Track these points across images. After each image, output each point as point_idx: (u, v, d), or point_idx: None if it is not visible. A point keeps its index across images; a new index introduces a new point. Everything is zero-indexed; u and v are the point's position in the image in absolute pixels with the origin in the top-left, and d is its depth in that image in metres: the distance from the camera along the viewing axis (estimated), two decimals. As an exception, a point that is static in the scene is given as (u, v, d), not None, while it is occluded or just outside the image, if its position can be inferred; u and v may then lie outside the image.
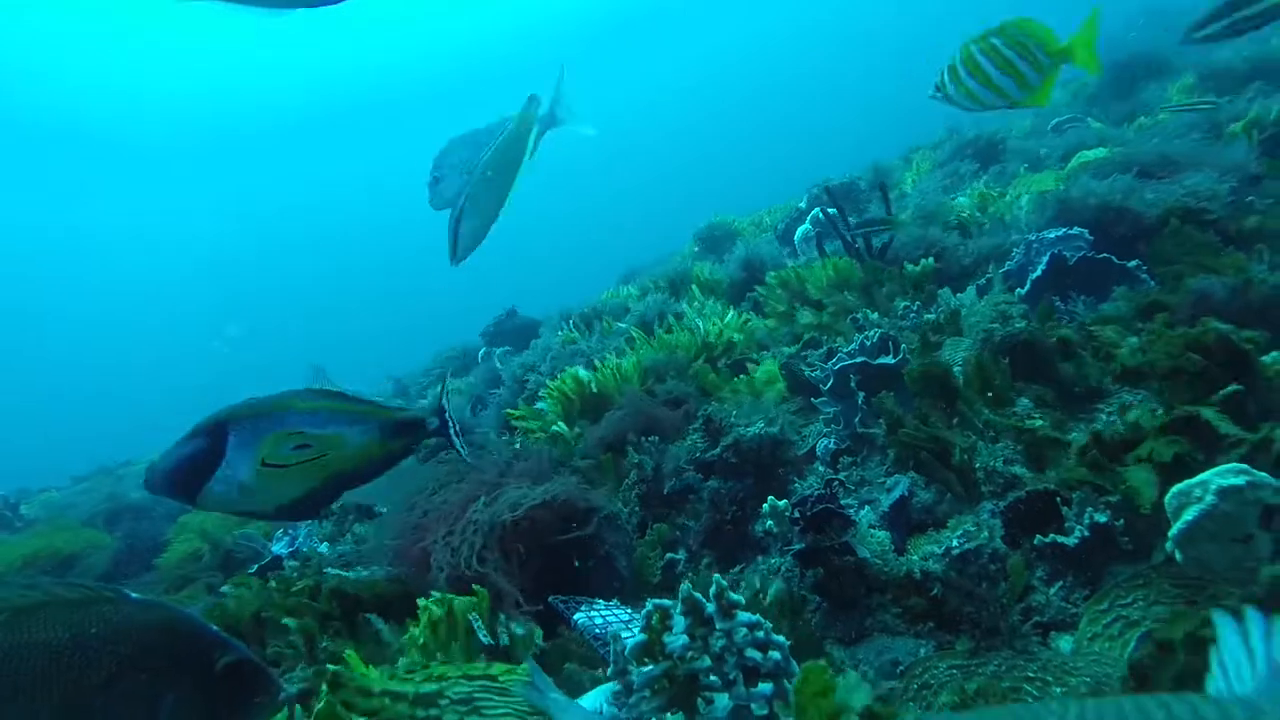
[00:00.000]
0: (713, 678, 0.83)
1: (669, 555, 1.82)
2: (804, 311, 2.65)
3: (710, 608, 0.85)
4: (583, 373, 2.52)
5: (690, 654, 0.83)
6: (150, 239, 42.00)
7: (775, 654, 0.83)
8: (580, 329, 3.76)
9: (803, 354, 2.27)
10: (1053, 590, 1.34)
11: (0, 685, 0.74)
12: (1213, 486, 1.04)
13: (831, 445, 1.92)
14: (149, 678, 0.78)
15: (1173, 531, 1.09)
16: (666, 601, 0.89)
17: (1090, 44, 1.70)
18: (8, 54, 24.54)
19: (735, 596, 0.84)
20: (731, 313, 2.89)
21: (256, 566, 2.68)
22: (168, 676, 0.79)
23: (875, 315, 2.33)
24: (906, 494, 1.61)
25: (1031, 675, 1.20)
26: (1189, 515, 1.05)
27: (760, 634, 0.84)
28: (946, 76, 1.89)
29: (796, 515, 1.51)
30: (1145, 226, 2.27)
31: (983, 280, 2.57)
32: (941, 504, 1.60)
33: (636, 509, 1.95)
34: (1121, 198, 2.34)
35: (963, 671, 1.25)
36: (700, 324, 2.72)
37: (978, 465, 1.58)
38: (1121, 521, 1.31)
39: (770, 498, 1.63)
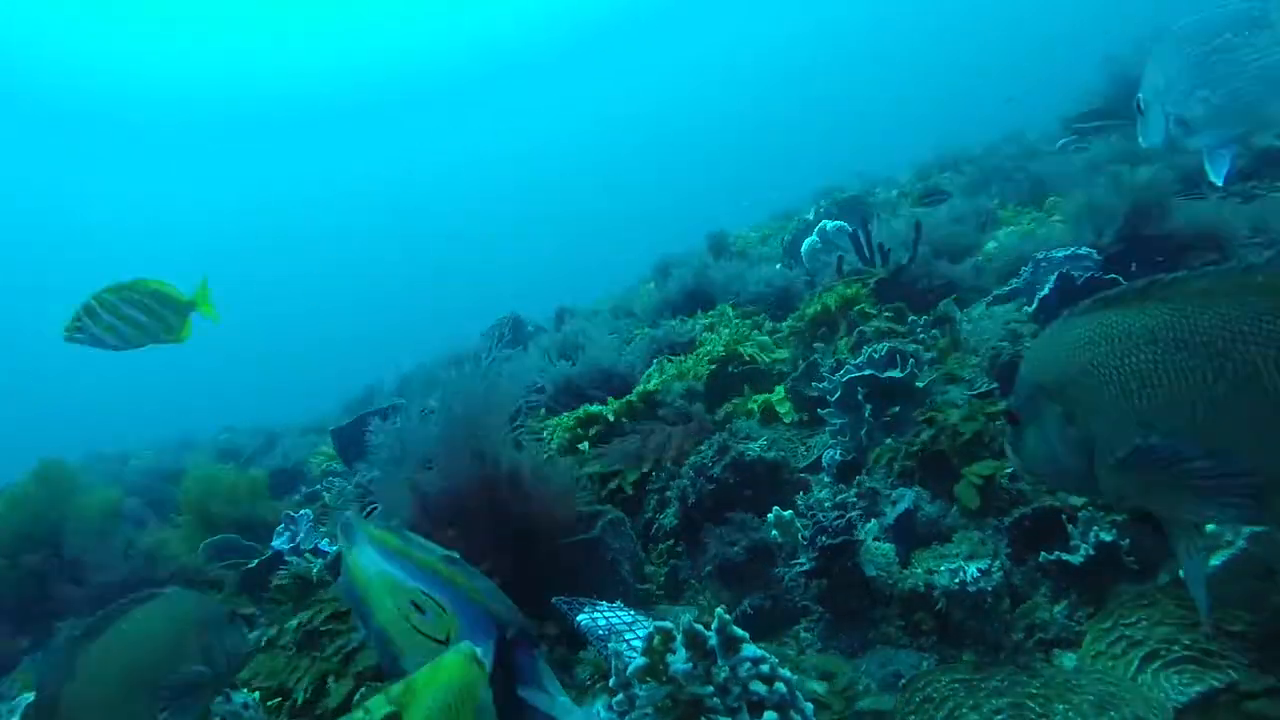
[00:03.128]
0: (716, 701, 0.81)
1: (673, 562, 1.82)
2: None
3: (713, 640, 0.83)
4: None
5: (692, 680, 0.81)
6: (145, 223, 41.94)
7: (781, 686, 0.81)
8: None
9: (811, 366, 2.27)
10: (1057, 608, 1.34)
11: (145, 661, 1.31)
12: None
13: (837, 456, 1.93)
14: (215, 628, 1.40)
15: None
16: (668, 624, 0.87)
17: (207, 299, 2.26)
18: (5, 28, 24.45)
19: (738, 631, 0.82)
20: (743, 325, 2.91)
21: (256, 561, 2.68)
22: (219, 626, 1.41)
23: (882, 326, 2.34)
24: (912, 507, 1.61)
25: (1034, 692, 1.20)
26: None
27: (765, 668, 0.82)
28: (86, 317, 2.08)
29: (811, 539, 1.50)
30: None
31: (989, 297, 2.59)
32: (946, 518, 1.60)
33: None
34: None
35: (965, 686, 1.25)
36: (710, 339, 2.76)
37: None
38: (1127, 541, 1.32)
39: (775, 508, 1.64)
